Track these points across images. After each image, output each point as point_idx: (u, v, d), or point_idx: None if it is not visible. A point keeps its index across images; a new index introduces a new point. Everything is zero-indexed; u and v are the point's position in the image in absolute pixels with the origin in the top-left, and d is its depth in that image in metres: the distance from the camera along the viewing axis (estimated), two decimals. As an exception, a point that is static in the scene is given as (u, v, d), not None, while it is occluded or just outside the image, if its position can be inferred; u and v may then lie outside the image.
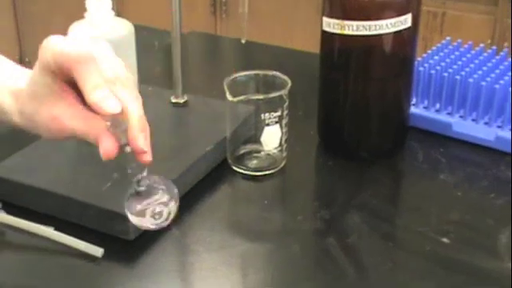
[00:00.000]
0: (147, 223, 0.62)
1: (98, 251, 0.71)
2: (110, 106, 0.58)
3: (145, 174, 0.62)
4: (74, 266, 0.71)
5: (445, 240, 0.74)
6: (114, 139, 0.59)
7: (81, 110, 0.62)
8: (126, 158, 0.60)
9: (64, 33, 0.69)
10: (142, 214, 0.62)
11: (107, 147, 0.59)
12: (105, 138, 0.59)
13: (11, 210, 0.75)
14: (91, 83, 0.59)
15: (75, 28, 0.82)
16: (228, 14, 2.32)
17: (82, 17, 0.85)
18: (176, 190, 0.63)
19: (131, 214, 0.62)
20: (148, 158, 0.59)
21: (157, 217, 0.62)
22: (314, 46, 1.24)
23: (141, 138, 0.58)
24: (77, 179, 0.78)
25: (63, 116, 0.62)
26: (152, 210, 0.62)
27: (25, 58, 2.71)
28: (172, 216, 0.63)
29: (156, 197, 0.62)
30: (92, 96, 0.58)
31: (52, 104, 0.62)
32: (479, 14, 1.99)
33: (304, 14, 2.19)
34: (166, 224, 0.63)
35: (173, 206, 0.62)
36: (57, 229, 0.73)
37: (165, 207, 0.62)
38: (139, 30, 0.91)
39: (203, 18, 2.36)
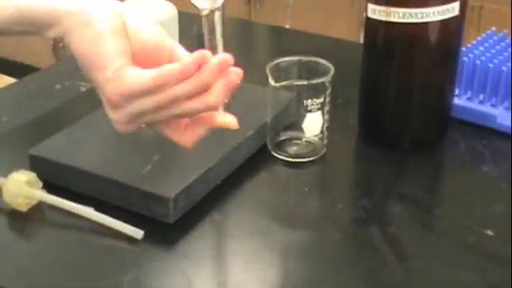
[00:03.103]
0: None
1: (138, 233, 0.71)
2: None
3: None
4: (114, 248, 0.71)
5: (489, 232, 0.73)
6: None
7: None
8: None
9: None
10: None
11: None
12: None
13: (52, 189, 0.75)
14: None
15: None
16: (262, 4, 2.31)
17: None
18: None
19: None
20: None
21: None
22: (349, 35, 1.23)
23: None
24: (117, 161, 0.78)
25: None
26: None
27: (59, 43, 2.73)
28: None
29: None
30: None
31: None
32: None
33: (339, 3, 2.17)
34: None
35: None
36: (97, 210, 0.73)
37: None
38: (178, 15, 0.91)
39: (237, 7, 2.35)
